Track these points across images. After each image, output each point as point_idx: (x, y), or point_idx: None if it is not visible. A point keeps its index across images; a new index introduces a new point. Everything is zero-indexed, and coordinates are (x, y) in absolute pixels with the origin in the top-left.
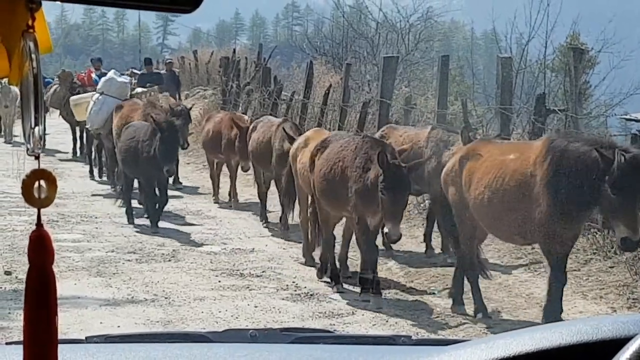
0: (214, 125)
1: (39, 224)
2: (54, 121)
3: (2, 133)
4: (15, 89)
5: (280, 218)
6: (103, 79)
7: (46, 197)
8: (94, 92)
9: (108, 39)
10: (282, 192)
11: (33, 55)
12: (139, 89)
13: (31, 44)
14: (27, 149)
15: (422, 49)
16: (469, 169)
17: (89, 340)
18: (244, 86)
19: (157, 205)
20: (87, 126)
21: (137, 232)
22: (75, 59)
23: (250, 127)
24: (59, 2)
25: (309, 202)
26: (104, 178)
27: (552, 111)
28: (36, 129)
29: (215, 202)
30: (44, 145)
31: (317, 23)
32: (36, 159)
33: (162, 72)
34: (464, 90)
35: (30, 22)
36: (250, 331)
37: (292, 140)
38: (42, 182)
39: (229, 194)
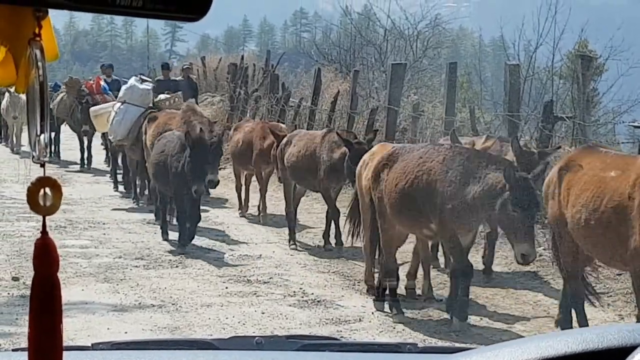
0: (244, 135)
1: (44, 231)
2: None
3: (10, 143)
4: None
5: (335, 236)
6: (124, 87)
7: (51, 205)
8: (115, 102)
9: (116, 46)
10: (347, 214)
11: (39, 63)
12: (162, 96)
13: (37, 52)
14: (33, 157)
15: (430, 56)
16: (568, 183)
17: (95, 347)
18: (251, 93)
19: (188, 224)
20: (109, 138)
21: (144, 238)
22: (83, 66)
23: (284, 141)
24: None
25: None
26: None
27: (560, 118)
28: (42, 136)
29: (242, 216)
30: (60, 156)
31: (325, 30)
32: (42, 166)
33: (179, 78)
34: (471, 97)
35: (37, 30)
36: (256, 338)
37: (348, 144)
38: (48, 190)
39: (258, 208)
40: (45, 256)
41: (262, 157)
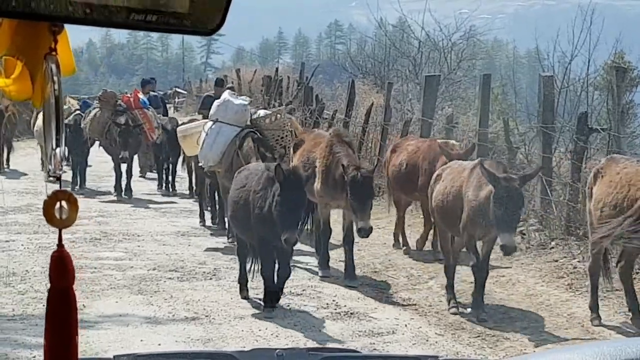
0: (408, 157)
1: (60, 244)
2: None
3: (44, 166)
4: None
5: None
6: (216, 102)
7: (67, 218)
8: (206, 120)
9: (152, 58)
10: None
11: (55, 78)
12: (262, 112)
13: (53, 67)
14: (49, 171)
15: (465, 68)
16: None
17: (116, 359)
18: (286, 105)
19: (276, 280)
20: (200, 164)
21: (178, 250)
22: (119, 78)
23: (434, 176)
24: None
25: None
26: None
27: (595, 130)
28: (57, 150)
29: (406, 254)
30: (83, 182)
31: (359, 42)
32: (57, 180)
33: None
34: (506, 109)
35: (52, 45)
36: (277, 350)
37: (495, 180)
38: (64, 203)
39: (417, 243)
40: (61, 269)
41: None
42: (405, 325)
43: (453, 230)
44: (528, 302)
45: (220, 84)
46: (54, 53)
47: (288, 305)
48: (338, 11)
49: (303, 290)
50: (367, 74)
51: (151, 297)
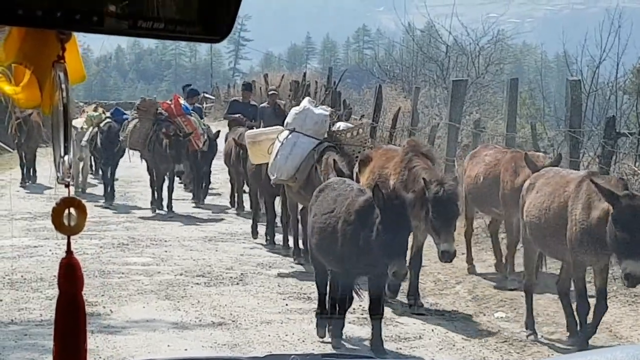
0: (486, 168)
1: (68, 250)
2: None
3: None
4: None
5: None
6: (295, 109)
7: (76, 225)
8: (281, 127)
9: (180, 64)
10: None
11: (63, 85)
12: (341, 125)
13: (61, 74)
14: (57, 178)
15: (493, 72)
16: None
17: None
18: None
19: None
20: (272, 177)
21: (205, 255)
22: (148, 84)
23: (526, 185)
24: None
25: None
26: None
27: (623, 134)
28: (66, 157)
29: (470, 273)
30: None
31: (387, 47)
32: (66, 187)
33: (264, 104)
34: (534, 114)
35: (60, 53)
36: (292, 356)
37: (615, 199)
38: (72, 210)
39: (496, 266)
40: (70, 275)
41: (514, 198)
42: (432, 331)
43: (549, 252)
44: (555, 306)
45: (248, 88)
46: (62, 61)
47: (315, 310)
48: (366, 16)
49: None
50: (395, 78)
51: (178, 302)
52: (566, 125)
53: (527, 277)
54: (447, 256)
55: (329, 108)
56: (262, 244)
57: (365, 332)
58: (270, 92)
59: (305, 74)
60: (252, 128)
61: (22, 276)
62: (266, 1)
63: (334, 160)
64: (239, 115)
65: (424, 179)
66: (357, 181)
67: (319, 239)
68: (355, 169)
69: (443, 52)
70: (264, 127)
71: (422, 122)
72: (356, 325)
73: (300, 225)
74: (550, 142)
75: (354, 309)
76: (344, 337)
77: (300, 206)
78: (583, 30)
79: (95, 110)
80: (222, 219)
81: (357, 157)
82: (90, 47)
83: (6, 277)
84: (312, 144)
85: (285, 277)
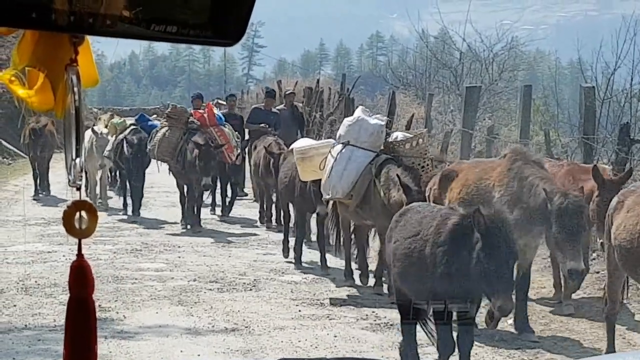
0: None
1: (79, 253)
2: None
3: (91, 196)
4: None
5: None
6: (347, 120)
7: (87, 228)
8: (332, 141)
9: (194, 70)
10: None
11: (75, 89)
12: (399, 135)
13: (74, 77)
14: (69, 180)
15: (506, 79)
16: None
17: None
18: (327, 116)
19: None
20: (326, 195)
21: (218, 262)
22: (162, 90)
23: (613, 203)
24: None
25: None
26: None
27: (637, 141)
28: (77, 160)
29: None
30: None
31: (401, 53)
32: (77, 190)
33: (280, 107)
34: (548, 120)
35: (73, 56)
36: None
37: None
38: (83, 213)
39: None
40: (80, 279)
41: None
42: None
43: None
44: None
45: (271, 95)
46: (74, 64)
47: (328, 316)
48: (379, 23)
49: (343, 301)
50: (408, 85)
51: (191, 308)
52: (580, 132)
53: (609, 304)
54: (575, 276)
55: (385, 117)
56: (275, 250)
57: (378, 338)
58: (287, 92)
59: (318, 80)
60: (275, 137)
61: (35, 281)
62: (280, 8)
63: (397, 175)
64: (263, 124)
65: (544, 189)
66: (433, 198)
67: (403, 267)
68: (433, 185)
69: (457, 58)
70: (282, 131)
71: (435, 129)
72: (369, 332)
73: (353, 246)
74: (564, 149)
75: (366, 315)
76: (354, 340)
77: (352, 224)
78: (596, 36)
79: (112, 117)
80: (236, 225)
81: (423, 169)
82: (105, 53)
83: (20, 283)
84: (368, 158)
85: (298, 284)
